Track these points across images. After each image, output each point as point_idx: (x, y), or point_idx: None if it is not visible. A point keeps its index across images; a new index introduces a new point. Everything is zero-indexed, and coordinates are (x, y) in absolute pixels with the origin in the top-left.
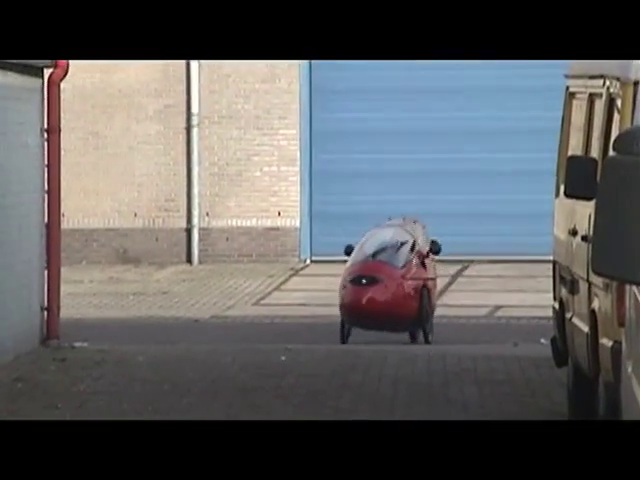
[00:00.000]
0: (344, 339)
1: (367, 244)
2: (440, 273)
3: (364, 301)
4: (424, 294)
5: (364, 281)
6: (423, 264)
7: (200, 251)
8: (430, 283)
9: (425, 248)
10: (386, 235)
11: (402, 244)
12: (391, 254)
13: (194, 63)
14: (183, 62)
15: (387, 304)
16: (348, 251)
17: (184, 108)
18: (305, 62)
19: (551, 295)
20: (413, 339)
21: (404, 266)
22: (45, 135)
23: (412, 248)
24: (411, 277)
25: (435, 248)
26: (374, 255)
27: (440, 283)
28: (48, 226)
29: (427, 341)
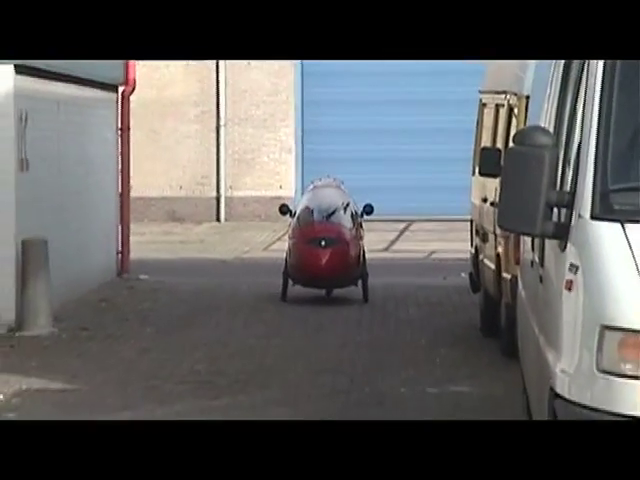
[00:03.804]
0: (284, 296)
1: (314, 204)
2: (391, 229)
3: (324, 263)
4: (364, 253)
5: (323, 243)
6: (360, 224)
7: (226, 213)
8: (363, 242)
9: (359, 209)
10: (330, 195)
11: (347, 205)
12: (341, 215)
13: (222, 81)
14: (215, 81)
15: (342, 265)
16: (285, 210)
17: (215, 113)
18: (299, 81)
19: (469, 243)
20: (329, 293)
21: (353, 227)
22: (119, 132)
23: (351, 209)
24: (357, 237)
25: (368, 209)
26: (328, 216)
27: (391, 235)
28: (121, 195)
29: (366, 298)
